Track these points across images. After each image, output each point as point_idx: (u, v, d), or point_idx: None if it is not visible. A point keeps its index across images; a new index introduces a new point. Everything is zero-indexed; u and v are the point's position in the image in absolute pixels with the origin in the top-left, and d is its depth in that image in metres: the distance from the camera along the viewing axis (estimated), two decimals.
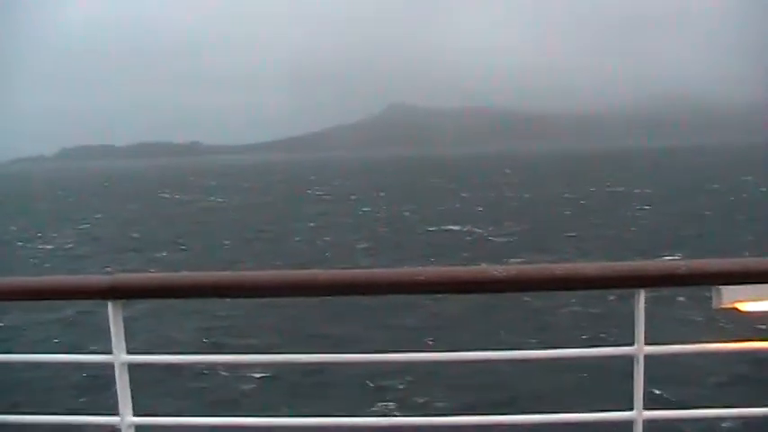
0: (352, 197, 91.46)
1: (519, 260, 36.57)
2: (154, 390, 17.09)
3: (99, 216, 75.56)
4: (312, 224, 60.10)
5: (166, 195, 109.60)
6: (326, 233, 53.56)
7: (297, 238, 51.13)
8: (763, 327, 19.30)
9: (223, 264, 40.06)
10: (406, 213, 66.71)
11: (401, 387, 18.21)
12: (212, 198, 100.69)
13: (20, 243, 54.43)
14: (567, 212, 62.27)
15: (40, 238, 57.25)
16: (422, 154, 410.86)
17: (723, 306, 2.84)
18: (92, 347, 21.33)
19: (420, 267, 2.92)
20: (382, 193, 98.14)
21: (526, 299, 25.71)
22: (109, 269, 38.96)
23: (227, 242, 50.13)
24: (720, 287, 2.82)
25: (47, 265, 42.68)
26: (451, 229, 52.81)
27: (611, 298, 25.34)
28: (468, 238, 48.57)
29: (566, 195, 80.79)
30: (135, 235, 56.66)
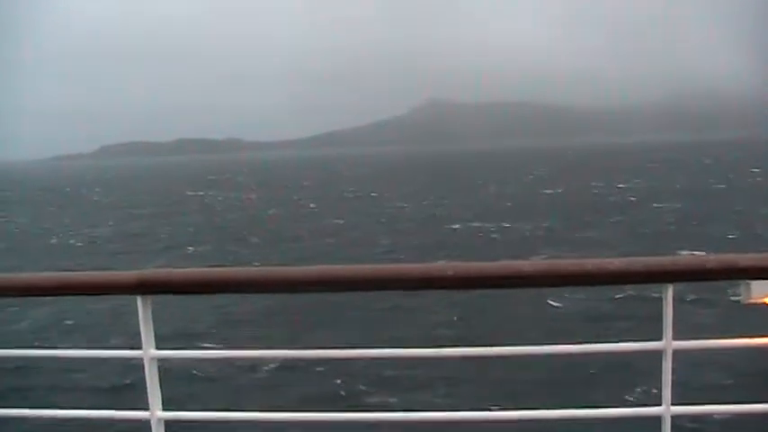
0: (381, 194, 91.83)
1: (542, 256, 36.81)
2: (182, 384, 17.77)
3: (130, 213, 76.82)
4: (341, 221, 60.79)
5: (201, 193, 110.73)
6: (352, 230, 54.21)
7: (326, 238, 51.88)
8: None
9: (247, 261, 40.57)
10: (432, 208, 66.99)
11: (437, 381, 18.34)
12: (240, 194, 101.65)
13: (53, 239, 55.60)
14: (595, 208, 62.27)
15: (71, 234, 58.43)
16: (457, 149, 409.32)
17: (753, 301, 2.81)
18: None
19: (449, 262, 2.92)
20: (411, 189, 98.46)
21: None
22: (136, 265, 39.90)
23: (255, 239, 50.93)
24: (750, 281, 2.79)
25: (73, 261, 43.50)
26: (473, 225, 53.06)
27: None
28: (486, 235, 48.87)
29: (594, 191, 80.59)
30: (164, 233, 57.79)
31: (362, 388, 18.46)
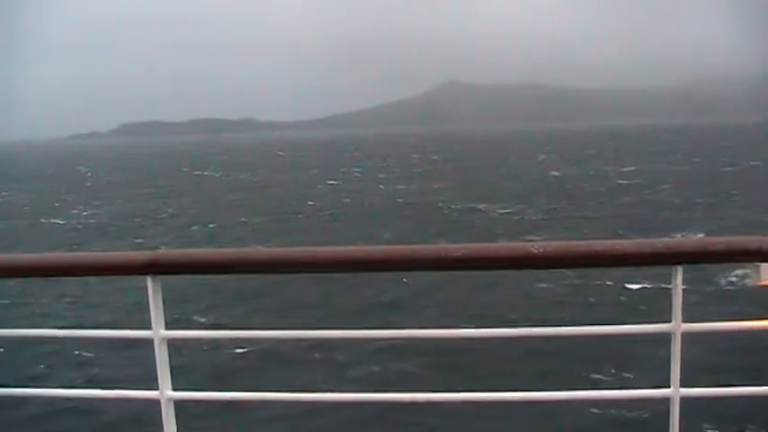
0: (384, 175, 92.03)
1: (538, 238, 37.12)
2: (192, 364, 18.08)
3: (139, 192, 77.33)
4: (348, 200, 61.25)
5: (206, 173, 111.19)
6: (352, 209, 54.61)
7: (325, 213, 52.39)
8: None
9: (253, 242, 41.03)
10: (434, 189, 67.18)
11: (443, 361, 18.42)
12: (247, 175, 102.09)
13: (60, 220, 56.27)
14: (601, 189, 62.39)
15: (75, 213, 58.99)
16: (468, 130, 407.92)
17: (762, 283, 2.77)
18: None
19: (457, 244, 2.91)
20: (418, 170, 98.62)
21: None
22: (139, 242, 40.48)
23: (257, 220, 51.30)
24: (759, 264, 2.75)
25: (76, 242, 44.12)
26: (476, 208, 53.35)
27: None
28: (491, 216, 49.12)
29: (601, 173, 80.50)
30: (169, 210, 58.31)
31: (374, 369, 18.69)
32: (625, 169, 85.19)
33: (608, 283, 26.74)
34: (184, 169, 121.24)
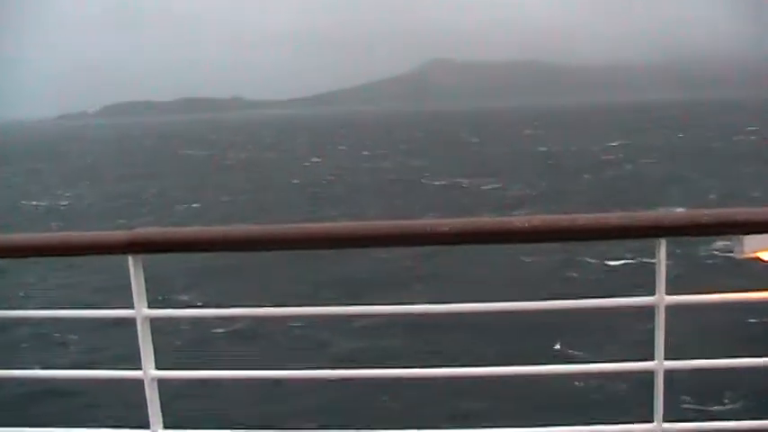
0: (368, 152, 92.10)
1: (522, 213, 37.20)
2: (176, 345, 18.12)
3: (123, 172, 76.95)
4: (331, 177, 61.19)
5: (192, 152, 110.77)
6: (335, 188, 54.59)
7: (309, 191, 52.35)
8: None
9: (237, 220, 40.87)
10: (418, 166, 67.28)
11: (426, 337, 18.58)
12: (234, 154, 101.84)
13: (39, 202, 56.02)
14: (585, 164, 62.61)
15: (58, 194, 58.74)
16: (456, 108, 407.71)
17: (746, 256, 2.77)
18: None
19: (444, 219, 2.86)
20: (403, 146, 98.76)
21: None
22: (122, 222, 40.37)
23: (242, 198, 51.36)
24: (743, 236, 2.75)
25: (61, 224, 44.08)
26: (460, 183, 53.42)
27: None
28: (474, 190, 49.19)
29: (586, 148, 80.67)
30: (154, 191, 58.13)
31: (356, 345, 18.76)
32: (611, 144, 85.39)
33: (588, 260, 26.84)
34: (171, 149, 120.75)
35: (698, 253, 25.84)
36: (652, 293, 2.84)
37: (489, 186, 50.97)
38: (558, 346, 17.49)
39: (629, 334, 16.64)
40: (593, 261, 26.73)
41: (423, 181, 55.88)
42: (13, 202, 54.54)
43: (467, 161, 71.42)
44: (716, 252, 25.81)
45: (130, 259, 2.91)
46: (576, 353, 16.97)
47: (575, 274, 25.40)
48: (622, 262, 25.93)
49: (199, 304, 23.12)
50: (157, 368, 3.04)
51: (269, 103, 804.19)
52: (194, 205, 48.68)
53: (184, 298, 24.10)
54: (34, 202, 54.37)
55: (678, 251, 25.29)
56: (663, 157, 65.35)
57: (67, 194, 58.46)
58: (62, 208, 50.61)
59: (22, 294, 25.54)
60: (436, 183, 54.28)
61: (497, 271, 25.67)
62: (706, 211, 2.77)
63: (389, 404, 14.45)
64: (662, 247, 2.77)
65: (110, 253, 2.95)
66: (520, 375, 3.14)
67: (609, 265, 26.07)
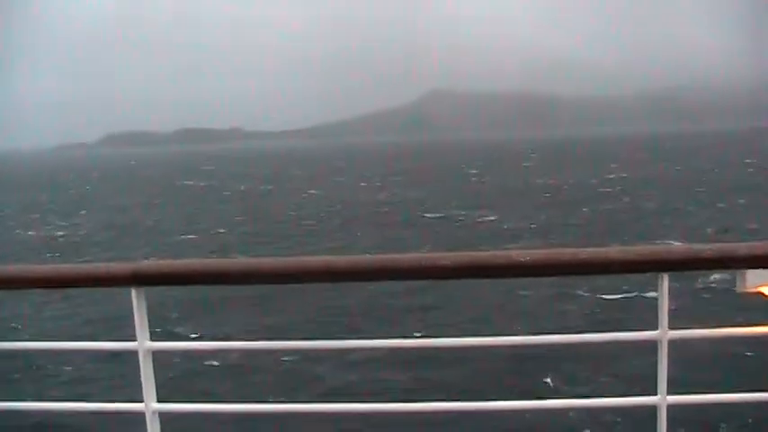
0: (366, 184, 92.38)
1: (517, 246, 37.07)
2: (177, 376, 17.98)
3: (121, 203, 76.93)
4: (330, 209, 61.29)
5: (191, 183, 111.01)
6: (332, 220, 54.54)
7: (306, 222, 52.29)
8: None
9: (234, 252, 41.02)
10: (415, 198, 67.33)
11: (425, 371, 18.37)
12: (232, 185, 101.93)
13: (41, 230, 55.82)
14: (582, 196, 62.62)
15: (55, 225, 58.49)
16: (455, 138, 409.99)
17: (747, 290, 2.77)
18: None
19: (444, 252, 2.88)
20: (398, 178, 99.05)
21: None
22: (118, 254, 40.26)
23: (240, 230, 51.26)
24: (745, 271, 2.75)
25: (56, 254, 43.87)
26: (457, 216, 53.37)
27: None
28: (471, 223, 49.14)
29: (584, 180, 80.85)
30: (149, 222, 58.01)
31: (355, 379, 18.64)
32: (609, 176, 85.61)
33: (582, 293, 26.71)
34: (169, 179, 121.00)
35: (695, 286, 25.65)
36: (654, 328, 2.85)
37: (485, 219, 50.88)
38: (561, 381, 17.28)
39: (633, 368, 16.45)
40: (586, 294, 26.56)
41: (420, 213, 55.82)
42: (10, 232, 54.42)
43: (464, 193, 71.48)
44: (713, 285, 25.68)
45: (134, 292, 2.94)
46: (579, 387, 16.74)
47: (571, 307, 25.20)
48: (617, 296, 25.76)
49: (193, 336, 23.05)
50: (159, 401, 3.06)
51: (268, 134, 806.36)
52: (190, 236, 48.51)
53: (179, 330, 23.88)
54: (30, 233, 54.14)
55: (676, 285, 25.13)
56: (660, 190, 65.47)
57: (63, 224, 58.29)
58: (60, 239, 50.33)
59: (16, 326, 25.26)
60: (433, 215, 54.20)
61: (494, 304, 25.54)
62: (708, 246, 2.77)
63: None
64: (664, 282, 2.78)
65: (114, 285, 2.99)
66: (519, 410, 3.11)
67: (604, 299, 25.87)
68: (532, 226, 46.05)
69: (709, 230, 40.32)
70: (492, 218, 51.19)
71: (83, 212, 67.53)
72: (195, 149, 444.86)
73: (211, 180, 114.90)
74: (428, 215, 54.44)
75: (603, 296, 25.83)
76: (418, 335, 22.12)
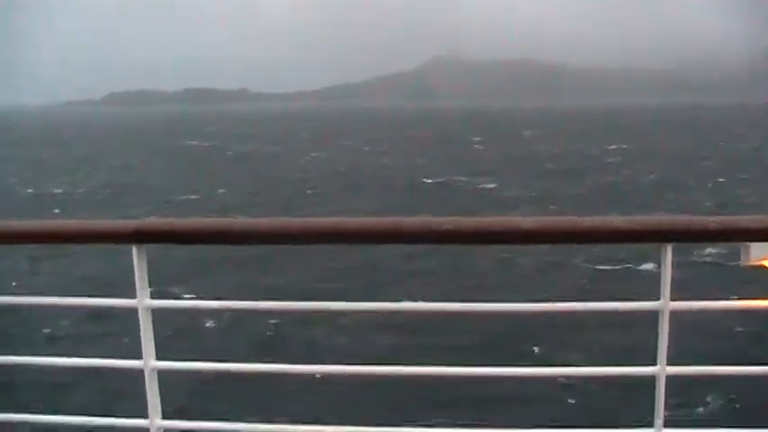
0: (369, 147, 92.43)
1: (518, 213, 37.15)
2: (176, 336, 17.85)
3: (124, 161, 76.97)
4: (333, 172, 61.18)
5: (195, 143, 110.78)
6: (334, 183, 54.68)
7: (310, 185, 52.47)
8: None
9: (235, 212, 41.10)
10: (418, 163, 67.36)
11: (428, 335, 18.35)
12: (237, 146, 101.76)
13: (43, 188, 55.87)
14: (583, 166, 62.60)
15: (56, 182, 58.43)
16: (457, 106, 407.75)
17: (751, 263, 2.74)
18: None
19: (447, 217, 2.85)
20: (404, 144, 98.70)
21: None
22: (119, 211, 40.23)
23: (242, 190, 51.28)
24: (749, 243, 2.72)
25: (55, 211, 43.86)
26: (459, 181, 53.49)
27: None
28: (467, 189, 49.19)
29: (585, 151, 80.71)
30: (152, 181, 58.09)
31: (358, 341, 18.69)
32: (610, 147, 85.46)
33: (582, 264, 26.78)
34: (173, 139, 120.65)
35: (694, 259, 25.69)
36: (656, 298, 2.81)
37: (486, 186, 51.03)
38: (561, 348, 17.43)
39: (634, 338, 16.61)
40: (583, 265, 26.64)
41: (423, 179, 55.82)
42: (9, 187, 54.61)
43: (466, 160, 71.50)
44: (708, 259, 25.70)
45: (135, 249, 2.91)
46: (578, 355, 16.86)
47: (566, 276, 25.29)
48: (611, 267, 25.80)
49: (188, 296, 22.93)
50: (158, 359, 3.04)
51: (273, 95, 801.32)
52: (192, 196, 48.61)
53: (175, 290, 23.86)
54: (30, 190, 54.20)
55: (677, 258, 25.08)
56: (661, 162, 65.41)
57: (65, 182, 58.20)
58: (60, 196, 50.22)
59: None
60: (436, 180, 54.33)
61: (493, 270, 25.68)
62: (712, 218, 2.75)
63: (396, 399, 14.25)
64: (668, 253, 2.75)
65: (116, 242, 2.94)
66: (515, 377, 3.12)
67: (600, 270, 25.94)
68: (532, 194, 46.10)
69: (708, 204, 40.35)
70: (492, 185, 51.25)
71: (86, 170, 67.37)
72: (200, 109, 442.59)
73: (215, 140, 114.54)
74: (429, 180, 54.50)
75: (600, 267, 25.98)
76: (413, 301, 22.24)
